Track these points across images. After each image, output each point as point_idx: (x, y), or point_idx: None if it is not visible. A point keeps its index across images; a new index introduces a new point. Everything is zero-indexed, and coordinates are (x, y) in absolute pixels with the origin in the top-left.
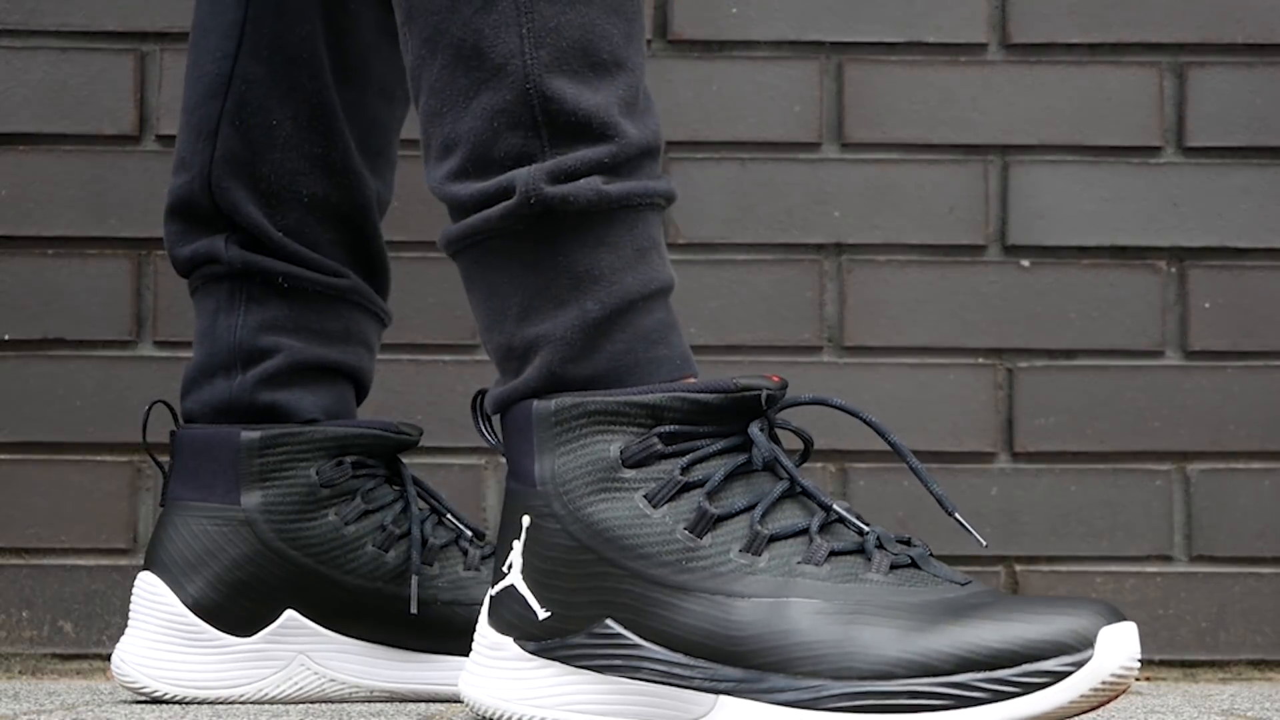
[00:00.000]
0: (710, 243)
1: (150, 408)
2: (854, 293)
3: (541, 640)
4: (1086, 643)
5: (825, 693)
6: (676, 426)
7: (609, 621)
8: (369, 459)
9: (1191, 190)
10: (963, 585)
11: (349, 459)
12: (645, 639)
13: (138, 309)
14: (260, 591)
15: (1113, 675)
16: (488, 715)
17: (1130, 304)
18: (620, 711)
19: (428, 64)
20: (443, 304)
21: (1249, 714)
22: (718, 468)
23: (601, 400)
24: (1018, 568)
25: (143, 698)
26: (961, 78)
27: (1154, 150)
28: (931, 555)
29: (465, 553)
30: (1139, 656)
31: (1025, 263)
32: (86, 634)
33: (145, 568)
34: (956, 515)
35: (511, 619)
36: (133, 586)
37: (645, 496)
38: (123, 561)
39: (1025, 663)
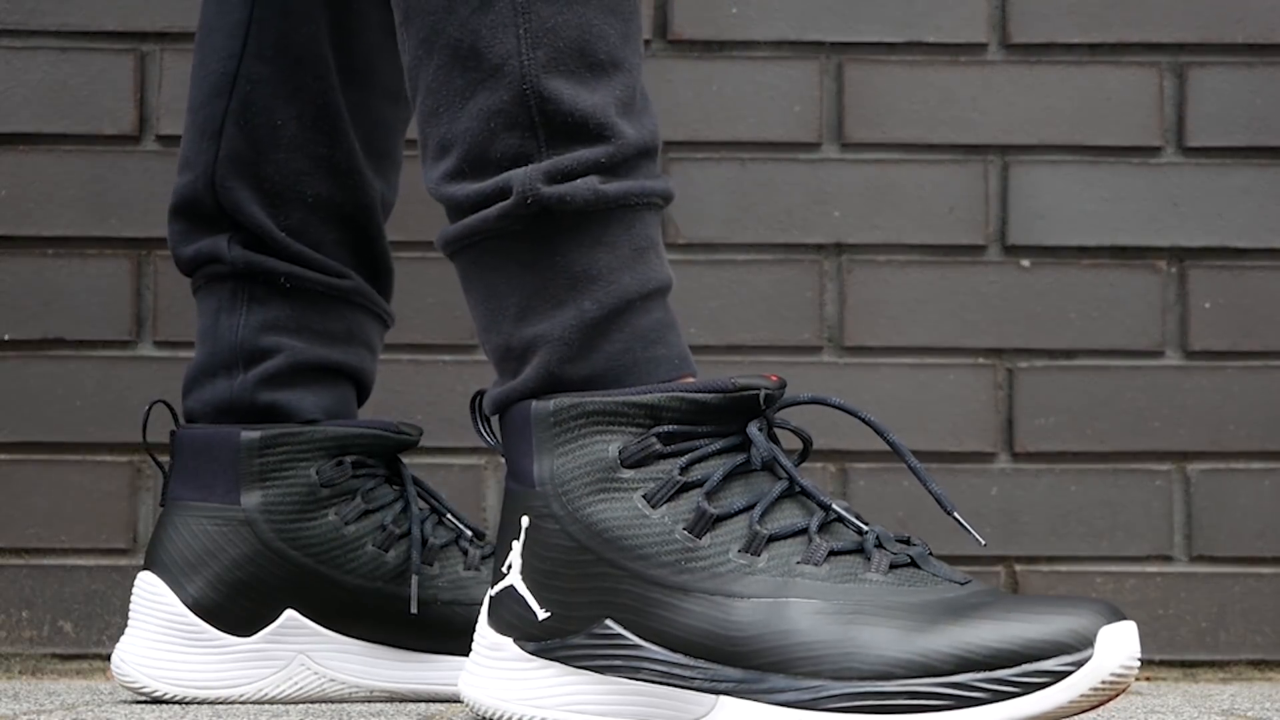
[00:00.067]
0: (710, 243)
1: (150, 408)
2: (854, 293)
3: (541, 640)
4: (1086, 642)
5: (825, 693)
6: (675, 426)
7: (608, 622)
8: (369, 459)
9: (1191, 190)
10: (962, 584)
11: (349, 459)
12: (645, 639)
13: (138, 309)
14: (260, 591)
15: (1113, 674)
16: (487, 715)
17: (1130, 304)
18: (620, 712)
19: (425, 64)
20: (443, 304)
21: (1249, 714)
22: (716, 468)
23: (600, 400)
24: (1018, 568)
25: (143, 698)
26: (961, 78)
27: (1154, 150)
28: (931, 554)
29: (465, 553)
30: (1139, 655)
31: (1025, 263)
32: (86, 634)
33: (145, 568)
34: (955, 515)
35: (511, 619)
36: (133, 586)
37: (644, 497)
38: (123, 561)
39: (1025, 662)
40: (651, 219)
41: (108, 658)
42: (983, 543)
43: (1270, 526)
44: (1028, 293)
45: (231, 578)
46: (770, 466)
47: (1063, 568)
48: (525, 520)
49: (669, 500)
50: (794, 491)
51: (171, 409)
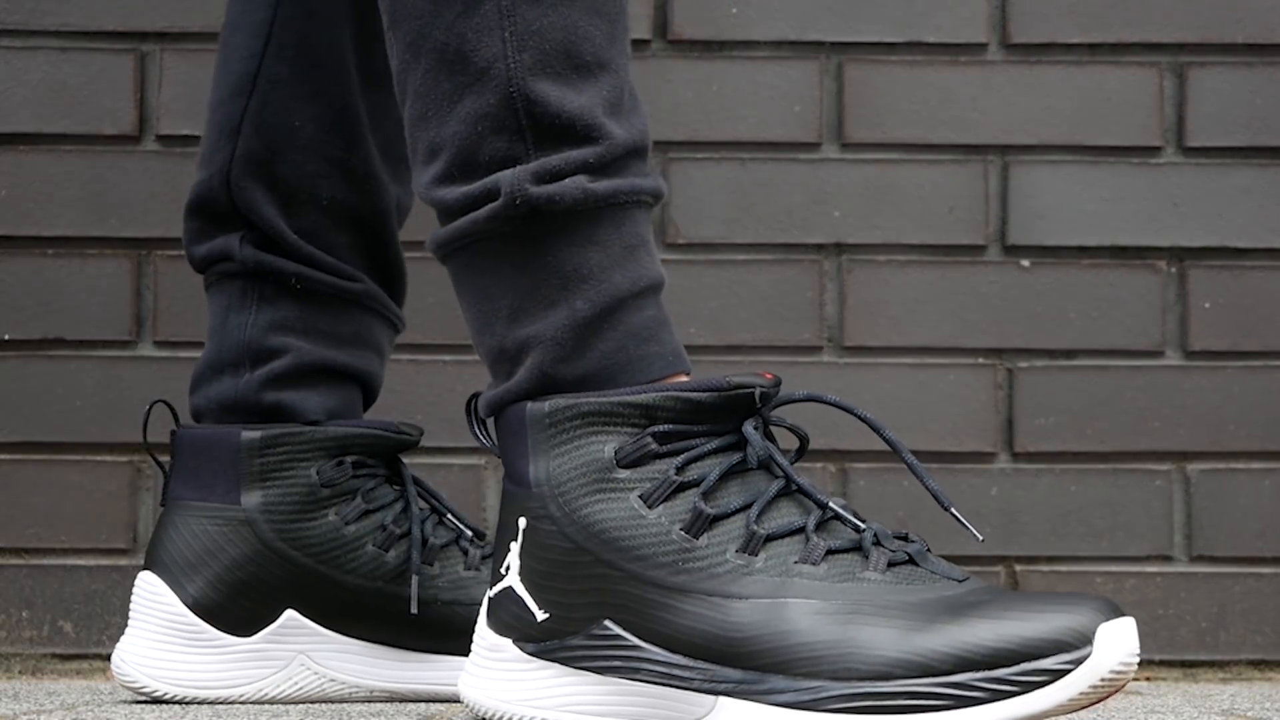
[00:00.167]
0: (710, 243)
1: (150, 407)
2: (854, 293)
3: (540, 641)
4: (1085, 640)
5: (825, 694)
6: (671, 426)
7: (607, 622)
8: (369, 459)
9: (1191, 190)
10: (960, 582)
11: (349, 459)
12: (644, 640)
13: (138, 309)
14: (260, 591)
15: (1111, 672)
16: (487, 716)
17: (1130, 304)
18: (620, 713)
19: (412, 68)
20: (443, 304)
21: (1249, 714)
22: (713, 467)
23: (595, 401)
24: (1018, 568)
25: (143, 698)
26: (961, 78)
27: (1154, 150)
28: (929, 551)
29: (465, 552)
30: (1138, 652)
31: (1025, 263)
32: (86, 634)
33: (145, 567)
34: (953, 510)
35: (510, 620)
36: (133, 586)
37: (640, 497)
38: (123, 561)
39: (1023, 661)
40: (642, 217)
41: (108, 658)
42: (980, 539)
43: (1270, 526)
44: (1028, 293)
45: (232, 578)
46: (767, 465)
47: (1063, 568)
48: (523, 521)
49: (665, 500)
50: (791, 490)
51: (172, 409)
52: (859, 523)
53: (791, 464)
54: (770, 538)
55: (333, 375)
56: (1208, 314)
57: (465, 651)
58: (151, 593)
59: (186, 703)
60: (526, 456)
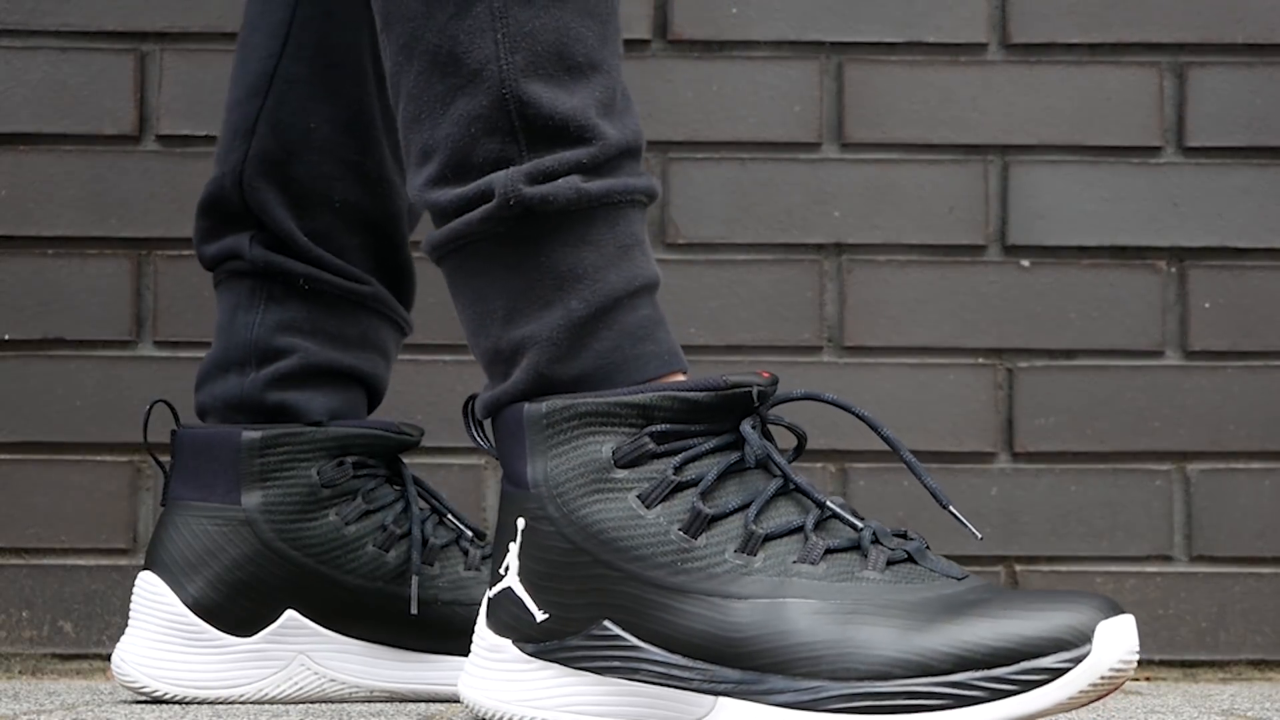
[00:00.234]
0: (710, 243)
1: (151, 407)
2: (854, 293)
3: (540, 642)
4: (1084, 638)
5: (824, 694)
6: (668, 425)
7: (606, 623)
8: (370, 459)
9: (1191, 190)
10: (960, 580)
11: (350, 459)
12: (643, 640)
13: (138, 309)
14: (260, 591)
15: (1111, 670)
16: (487, 716)
17: (1130, 304)
18: (619, 713)
19: (405, 70)
20: (443, 304)
21: (1249, 714)
22: (710, 467)
23: (592, 401)
24: (1018, 568)
25: (143, 698)
26: (961, 78)
27: (1154, 150)
28: (928, 549)
29: (466, 553)
30: (1137, 649)
31: (1025, 263)
32: (86, 634)
33: (145, 567)
34: (951, 508)
35: (509, 621)
36: (133, 586)
37: (639, 497)
38: (123, 561)
39: (1023, 660)
40: (636, 216)
41: (108, 658)
42: (979, 536)
43: (1270, 526)
44: (1028, 293)
45: (232, 578)
46: (764, 464)
47: (1063, 568)
48: (521, 522)
49: (663, 500)
50: (789, 489)
51: (172, 408)
52: (857, 521)
53: (789, 463)
54: (769, 537)
55: (338, 377)
56: (1208, 314)
57: (465, 652)
58: (151, 593)
59: (186, 703)
60: (524, 457)
